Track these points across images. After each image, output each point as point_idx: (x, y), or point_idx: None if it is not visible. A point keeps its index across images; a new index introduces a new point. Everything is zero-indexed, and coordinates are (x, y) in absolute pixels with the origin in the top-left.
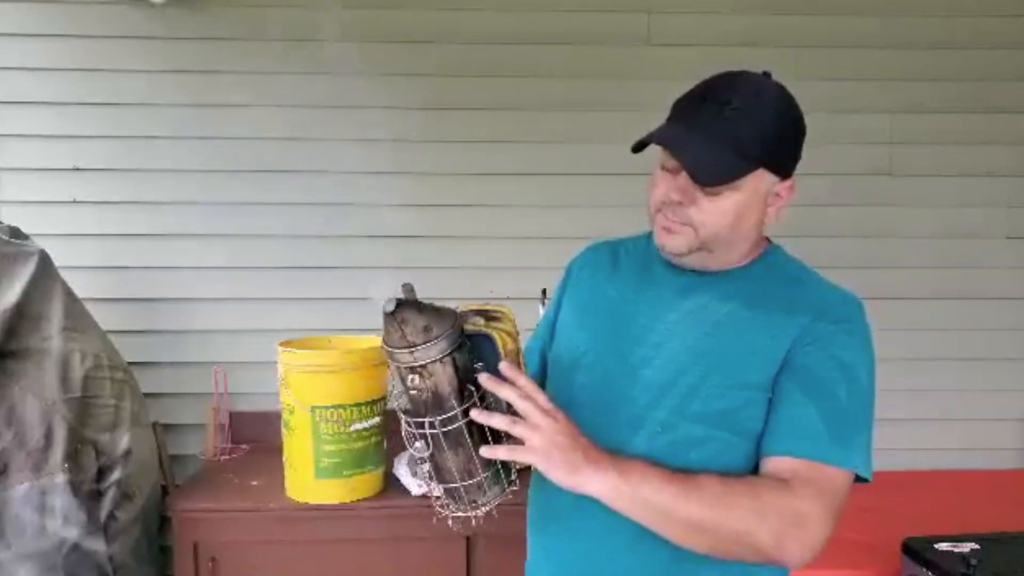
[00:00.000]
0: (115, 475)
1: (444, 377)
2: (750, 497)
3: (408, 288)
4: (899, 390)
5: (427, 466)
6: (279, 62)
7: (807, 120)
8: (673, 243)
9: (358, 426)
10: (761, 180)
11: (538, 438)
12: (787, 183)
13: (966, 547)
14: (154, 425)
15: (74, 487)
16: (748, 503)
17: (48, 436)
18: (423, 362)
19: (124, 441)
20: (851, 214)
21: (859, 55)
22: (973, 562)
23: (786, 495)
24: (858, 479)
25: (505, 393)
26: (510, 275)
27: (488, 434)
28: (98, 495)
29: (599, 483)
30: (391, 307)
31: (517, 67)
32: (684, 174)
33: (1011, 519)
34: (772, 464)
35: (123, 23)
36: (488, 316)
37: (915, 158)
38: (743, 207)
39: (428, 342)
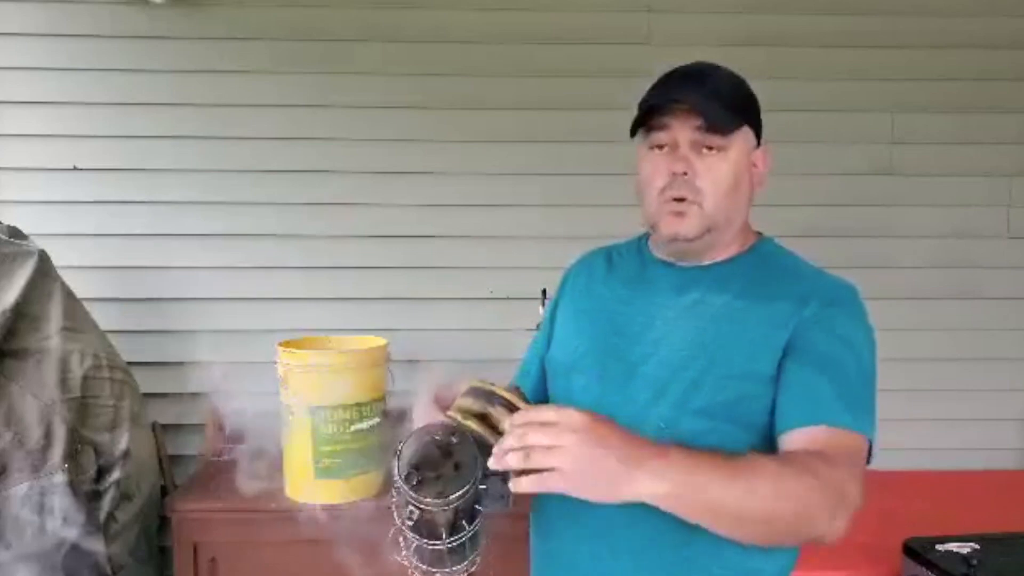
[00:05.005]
0: (114, 475)
1: (441, 518)
2: (810, 474)
3: (437, 441)
4: (899, 390)
5: (409, 543)
6: (279, 62)
7: (808, 120)
8: (685, 227)
9: (358, 426)
10: (745, 140)
11: (558, 459)
12: (761, 150)
13: (966, 547)
14: (153, 425)
15: (73, 487)
16: (809, 480)
17: (47, 436)
18: (426, 508)
19: (123, 441)
20: (851, 214)
21: (859, 55)
22: (973, 562)
23: (830, 466)
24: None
25: (507, 443)
26: (510, 275)
27: (467, 542)
28: (97, 495)
29: (651, 488)
30: (413, 481)
31: (517, 67)
32: (681, 146)
33: (1011, 519)
34: (795, 436)
35: (123, 23)
36: (510, 406)
37: (915, 158)
38: (737, 171)
39: (437, 499)
